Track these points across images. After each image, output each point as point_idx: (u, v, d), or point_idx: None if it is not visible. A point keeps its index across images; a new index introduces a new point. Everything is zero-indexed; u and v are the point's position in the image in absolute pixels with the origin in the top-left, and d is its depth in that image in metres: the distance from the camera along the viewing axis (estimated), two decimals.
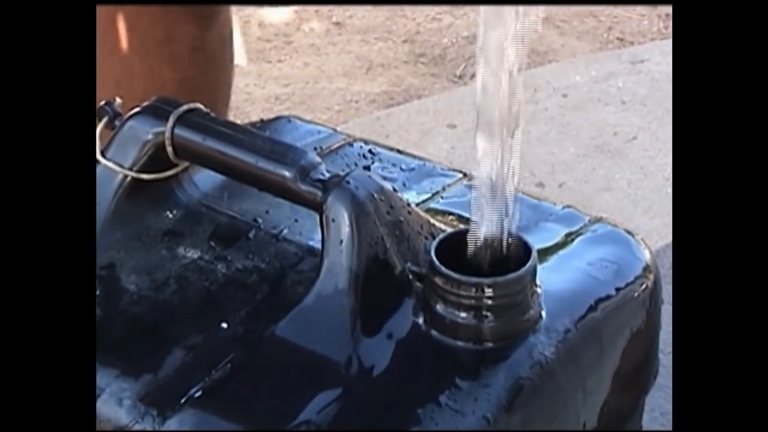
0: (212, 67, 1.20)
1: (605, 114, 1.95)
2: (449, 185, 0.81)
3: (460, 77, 2.36)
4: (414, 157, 0.84)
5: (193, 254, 0.72)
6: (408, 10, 2.59)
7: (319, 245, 0.69)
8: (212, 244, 0.73)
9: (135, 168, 0.73)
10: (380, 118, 1.96)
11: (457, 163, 1.85)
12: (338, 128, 2.11)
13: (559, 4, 3.03)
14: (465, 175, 0.82)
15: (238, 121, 2.27)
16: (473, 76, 2.38)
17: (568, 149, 1.86)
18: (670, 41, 2.29)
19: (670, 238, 1.64)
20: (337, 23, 2.52)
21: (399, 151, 0.84)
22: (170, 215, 0.74)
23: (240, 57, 2.32)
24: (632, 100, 1.98)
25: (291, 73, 2.36)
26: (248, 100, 2.26)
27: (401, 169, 0.82)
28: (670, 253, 1.49)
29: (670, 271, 1.52)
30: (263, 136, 0.74)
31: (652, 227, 1.71)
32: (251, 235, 0.74)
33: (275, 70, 2.37)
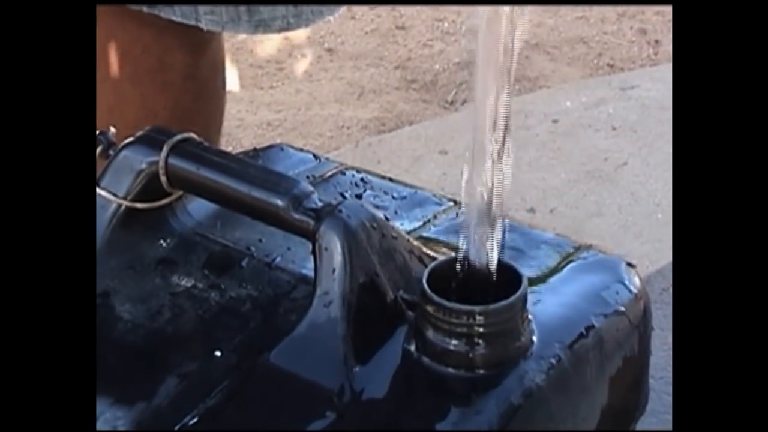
0: (204, 94, 1.20)
1: (596, 140, 1.96)
2: (441, 213, 0.82)
3: (452, 103, 2.38)
4: (405, 185, 0.85)
5: (186, 282, 0.73)
6: (399, 36, 2.60)
7: (311, 273, 0.69)
8: (206, 272, 0.74)
9: (129, 197, 0.74)
10: (372, 145, 1.96)
11: (448, 189, 1.86)
12: (330, 155, 2.12)
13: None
14: (456, 203, 0.83)
15: (231, 148, 2.29)
16: (464, 102, 2.40)
17: (559, 175, 1.87)
18: (659, 67, 2.31)
19: (660, 264, 1.65)
20: (329, 50, 2.54)
21: (391, 180, 0.85)
22: (164, 244, 0.75)
23: (232, 83, 2.33)
24: (622, 126, 1.99)
25: (283, 100, 2.38)
26: (240, 127, 2.27)
27: (393, 197, 0.82)
28: (660, 278, 1.50)
29: (661, 296, 1.53)
30: (256, 165, 0.74)
31: (642, 253, 1.71)
32: (244, 263, 0.74)
33: (267, 97, 2.38)
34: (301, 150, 0.88)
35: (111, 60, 1.14)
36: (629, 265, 0.77)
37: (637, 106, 2.05)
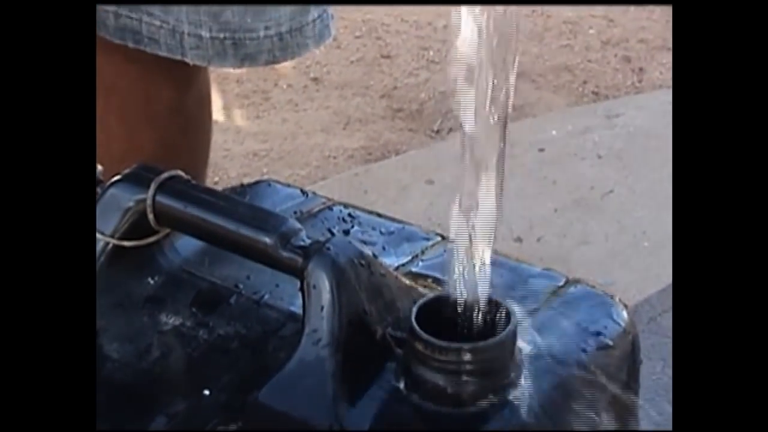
0: (191, 128, 1.21)
1: (582, 168, 1.97)
2: (428, 248, 0.82)
3: (438, 132, 2.38)
4: (393, 220, 0.85)
5: (174, 321, 0.73)
6: (385, 65, 2.61)
7: (300, 310, 0.69)
8: (194, 310, 0.73)
9: (117, 235, 0.74)
10: (358, 175, 1.97)
11: (435, 219, 1.86)
12: (317, 185, 2.12)
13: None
14: (444, 237, 0.83)
15: (217, 179, 2.28)
16: (450, 130, 2.41)
17: (546, 204, 1.87)
18: (644, 95, 2.32)
19: (647, 292, 1.66)
20: (315, 79, 2.54)
21: (378, 215, 0.85)
22: (152, 281, 0.75)
23: (218, 113, 2.34)
24: (608, 154, 2.00)
25: (269, 129, 2.38)
26: (227, 157, 2.27)
27: (380, 232, 0.82)
28: (648, 307, 1.51)
29: (649, 326, 1.53)
30: (244, 203, 0.74)
31: (629, 281, 1.72)
32: (232, 300, 0.74)
33: (254, 126, 2.39)
34: (288, 185, 0.88)
35: (97, 95, 1.14)
36: (616, 299, 0.77)
37: (623, 134, 2.06)
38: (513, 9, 0.65)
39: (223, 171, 2.23)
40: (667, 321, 1.46)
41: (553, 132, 2.07)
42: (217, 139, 2.28)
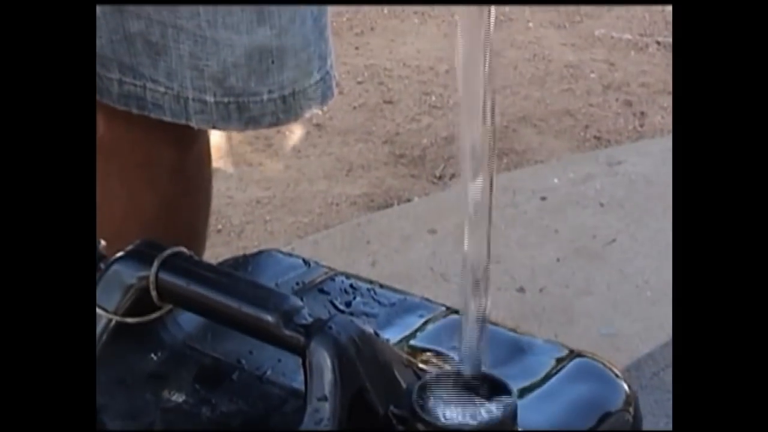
0: (192, 188, 1.21)
1: (584, 217, 1.97)
2: (431, 320, 0.82)
3: (440, 178, 2.39)
4: (395, 290, 0.85)
5: (177, 397, 0.73)
6: (387, 110, 2.62)
7: (302, 386, 0.69)
8: (197, 386, 0.74)
9: (119, 312, 0.74)
10: (361, 225, 1.97)
11: (438, 268, 1.87)
12: (320, 234, 2.12)
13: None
14: (447, 308, 0.83)
15: (220, 226, 2.29)
16: (453, 176, 2.41)
17: (548, 253, 1.88)
18: (645, 141, 2.33)
19: (651, 344, 1.66)
20: (318, 125, 2.55)
21: (380, 285, 0.85)
22: (154, 357, 0.75)
23: (221, 160, 2.35)
24: (610, 202, 2.00)
25: (272, 176, 2.39)
26: (230, 204, 2.28)
27: (382, 304, 0.83)
28: (651, 362, 1.51)
29: (652, 381, 1.53)
30: (246, 280, 0.75)
31: (632, 331, 1.72)
32: (235, 376, 0.74)
33: (256, 173, 2.39)
34: (290, 255, 0.88)
35: (98, 156, 1.15)
36: (618, 373, 0.77)
37: (625, 182, 2.07)
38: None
39: (226, 218, 2.24)
40: (670, 376, 1.46)
41: (555, 180, 2.07)
42: (220, 186, 2.29)
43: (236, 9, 1.02)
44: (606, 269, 1.84)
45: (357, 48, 2.89)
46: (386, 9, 3.08)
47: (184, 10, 1.02)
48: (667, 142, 2.22)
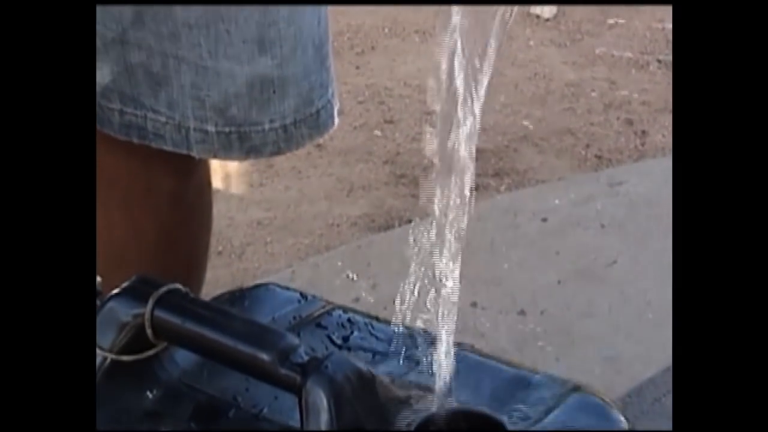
0: (192, 216, 1.21)
1: (585, 238, 1.97)
2: (429, 354, 0.81)
3: None
4: (392, 324, 0.84)
5: None
6: (388, 130, 2.62)
7: (299, 424, 0.69)
8: (192, 424, 0.73)
9: (115, 350, 0.74)
10: (361, 247, 1.97)
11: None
12: (321, 256, 2.10)
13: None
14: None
15: (221, 248, 2.28)
16: None
17: (549, 275, 1.87)
18: (646, 162, 2.32)
19: (653, 367, 1.65)
20: (318, 145, 2.55)
21: (378, 319, 0.85)
22: (150, 395, 0.75)
23: (222, 182, 2.35)
24: (611, 223, 2.00)
25: (273, 197, 2.38)
26: (230, 226, 2.28)
27: (379, 338, 0.82)
28: (652, 387, 1.50)
29: (653, 407, 1.52)
30: (241, 318, 0.74)
31: (634, 354, 1.71)
32: (231, 414, 0.74)
33: (257, 194, 2.39)
34: (287, 288, 0.88)
35: (99, 186, 1.15)
36: (617, 408, 0.77)
37: (625, 203, 2.06)
38: None
39: (227, 240, 2.24)
40: (671, 402, 1.46)
41: (556, 201, 2.07)
42: (220, 207, 2.28)
43: (237, 39, 1.02)
44: (607, 291, 1.83)
45: (358, 67, 2.89)
46: (387, 28, 3.09)
47: (186, 40, 1.01)
48: (668, 162, 2.22)
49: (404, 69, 2.88)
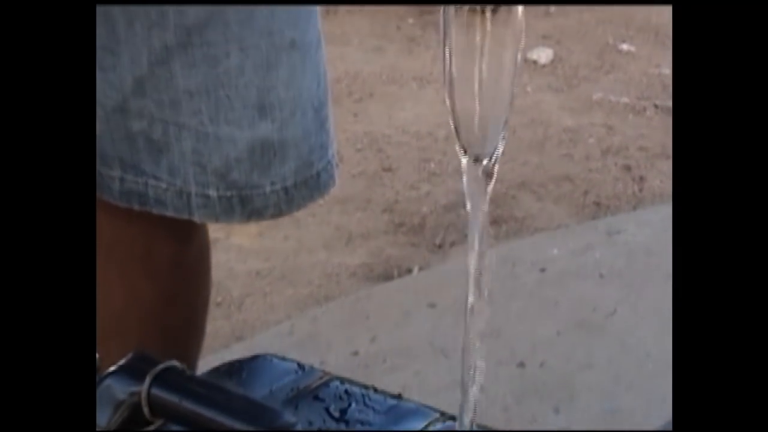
0: (192, 280, 1.21)
1: (584, 288, 1.97)
2: (426, 426, 0.81)
3: (440, 246, 2.39)
4: (390, 395, 0.84)
5: None
6: (386, 178, 2.63)
7: None
8: None
9: (111, 428, 0.73)
10: (360, 299, 1.97)
11: (437, 343, 1.86)
12: (320, 309, 2.10)
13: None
14: (442, 414, 0.83)
15: (220, 298, 2.28)
16: (452, 244, 2.41)
17: (548, 326, 1.87)
18: (644, 210, 2.33)
19: (653, 419, 1.65)
20: None
21: (375, 389, 0.85)
22: None
23: (220, 231, 2.35)
24: (610, 273, 2.00)
25: (272, 247, 2.39)
26: (229, 277, 2.28)
27: (377, 410, 0.82)
28: None
29: None
30: (239, 396, 0.74)
31: (634, 406, 1.71)
32: None
33: (256, 244, 2.39)
34: (284, 359, 0.88)
35: (98, 250, 1.15)
36: None
37: (624, 252, 2.06)
38: None
39: (226, 291, 2.24)
40: None
41: (555, 250, 2.07)
42: (220, 257, 2.29)
43: (238, 105, 1.03)
44: (607, 342, 1.83)
45: (355, 114, 2.90)
46: (385, 75, 3.10)
47: (186, 107, 1.02)
48: (665, 210, 2.22)
49: (402, 116, 2.89)
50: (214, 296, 2.22)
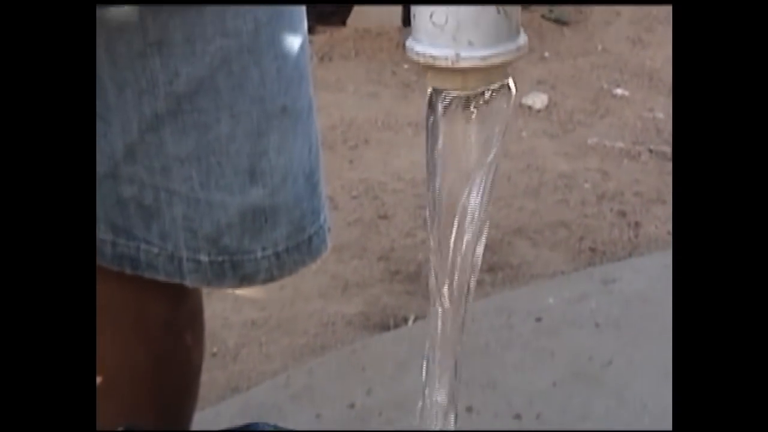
0: (184, 341, 1.21)
1: (580, 338, 1.96)
2: None
3: None
4: None
5: None
6: (382, 226, 2.63)
7: None
8: None
9: None
10: (356, 351, 1.96)
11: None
12: (316, 360, 2.10)
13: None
14: None
15: (215, 349, 2.28)
16: None
17: (544, 377, 1.87)
18: (641, 259, 2.32)
19: None
20: None
21: None
22: None
23: None
24: (606, 322, 2.00)
25: (267, 296, 2.38)
26: (225, 326, 2.27)
27: None
28: None
29: None
30: None
31: None
32: None
33: (252, 293, 2.39)
34: (277, 428, 0.88)
35: None
36: None
37: (620, 301, 2.06)
38: None
39: (221, 341, 2.23)
40: None
41: (550, 300, 2.07)
42: (215, 307, 2.28)
43: (229, 171, 1.03)
44: (603, 393, 1.82)
45: (351, 161, 2.90)
46: (380, 121, 3.11)
47: (177, 174, 1.02)
48: (660, 258, 2.23)
49: (398, 163, 2.90)
50: (210, 347, 2.21)
